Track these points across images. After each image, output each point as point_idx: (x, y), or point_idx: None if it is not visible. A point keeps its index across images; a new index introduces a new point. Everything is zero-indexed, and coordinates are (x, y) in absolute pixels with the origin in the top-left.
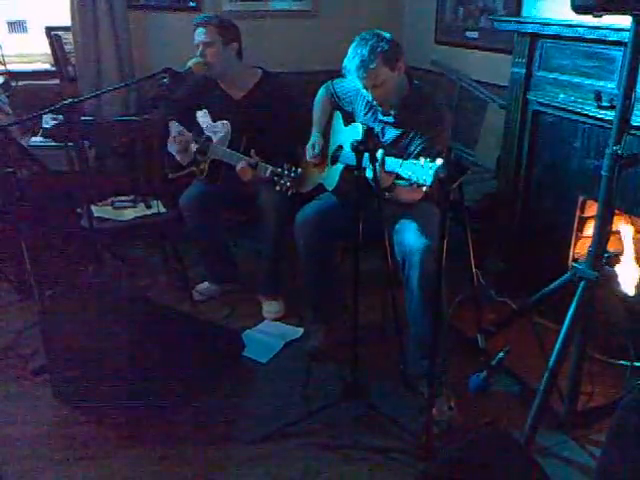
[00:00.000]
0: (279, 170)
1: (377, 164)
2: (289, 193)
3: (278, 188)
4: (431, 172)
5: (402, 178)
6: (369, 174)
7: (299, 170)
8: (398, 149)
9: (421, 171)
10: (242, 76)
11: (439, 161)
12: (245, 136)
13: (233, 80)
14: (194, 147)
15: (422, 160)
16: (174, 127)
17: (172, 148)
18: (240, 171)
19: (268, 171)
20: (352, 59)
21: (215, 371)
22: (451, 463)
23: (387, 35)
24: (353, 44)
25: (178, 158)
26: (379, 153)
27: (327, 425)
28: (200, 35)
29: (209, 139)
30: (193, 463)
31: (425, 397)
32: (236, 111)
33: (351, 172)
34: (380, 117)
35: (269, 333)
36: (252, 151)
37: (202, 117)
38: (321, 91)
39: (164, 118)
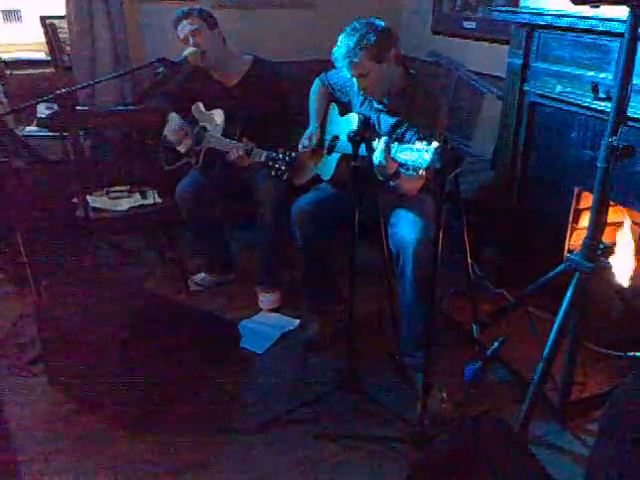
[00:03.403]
0: (274, 155)
1: (381, 151)
2: (284, 177)
3: (273, 173)
4: (427, 156)
5: (399, 164)
6: (376, 161)
7: (294, 154)
8: (395, 137)
9: (416, 155)
10: (233, 63)
11: (435, 144)
12: (240, 123)
13: (225, 67)
14: (190, 139)
15: (418, 144)
16: (174, 119)
17: (171, 138)
18: (234, 156)
19: (263, 156)
20: (339, 48)
21: (211, 361)
22: (446, 451)
23: (380, 25)
24: (344, 32)
25: (177, 147)
26: (383, 141)
27: (323, 414)
28: (185, 26)
29: (204, 128)
30: (190, 452)
31: (419, 387)
32: (230, 98)
33: (347, 162)
34: (376, 106)
35: (265, 324)
36: (244, 138)
37: (197, 110)
38: (316, 83)
39: (159, 108)
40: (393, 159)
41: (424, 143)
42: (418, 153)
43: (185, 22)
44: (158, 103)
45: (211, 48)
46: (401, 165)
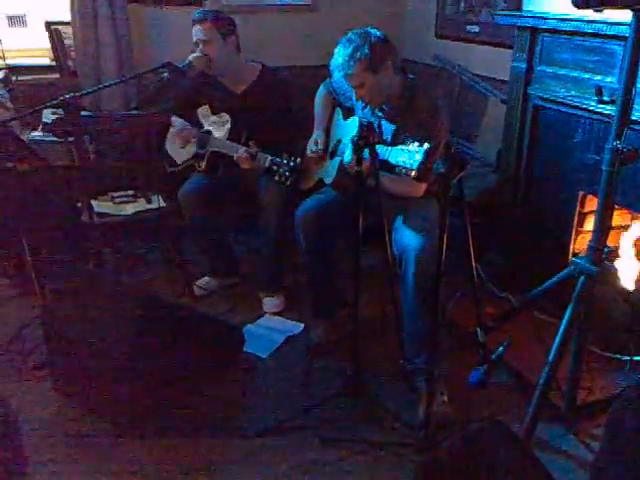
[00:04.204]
0: (278, 160)
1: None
2: (288, 183)
3: (277, 178)
4: (418, 156)
5: (391, 166)
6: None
7: (298, 160)
8: (396, 143)
9: (408, 155)
10: (242, 70)
11: (426, 145)
12: (245, 129)
13: (234, 74)
14: (194, 143)
15: (410, 145)
16: (177, 122)
17: (171, 147)
18: (239, 159)
19: (267, 161)
20: (335, 60)
21: (216, 366)
22: (450, 456)
23: (375, 35)
24: (339, 43)
25: (174, 156)
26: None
27: (327, 419)
28: (198, 33)
29: (209, 132)
30: (194, 456)
31: (421, 391)
32: (236, 105)
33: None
34: (377, 112)
35: (269, 328)
36: (251, 142)
37: (202, 113)
38: (321, 88)
39: (164, 113)
40: (365, 159)
41: (416, 144)
42: (409, 154)
43: (199, 28)
44: (164, 107)
45: (220, 57)
46: (394, 166)
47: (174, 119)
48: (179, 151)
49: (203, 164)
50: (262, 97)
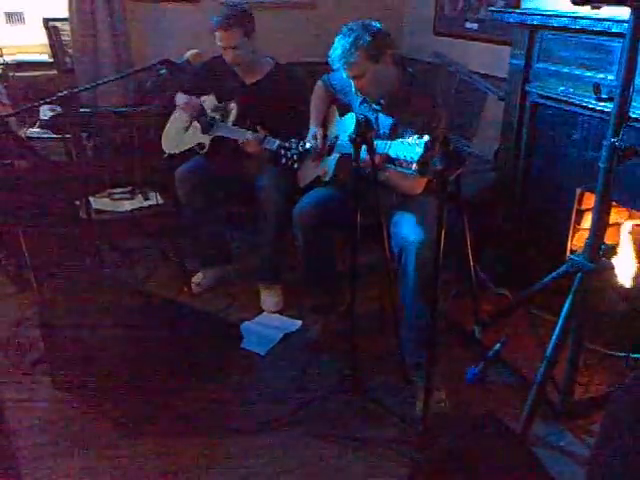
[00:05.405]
0: (286, 144)
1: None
2: (295, 166)
3: (284, 161)
4: (418, 149)
5: (392, 160)
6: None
7: (307, 145)
8: (395, 136)
9: (408, 149)
10: (257, 64)
11: (426, 137)
12: (250, 119)
13: (249, 67)
14: (197, 129)
15: (409, 139)
16: (180, 98)
17: (170, 133)
18: (246, 143)
19: (275, 144)
20: (335, 50)
21: (213, 363)
22: (448, 452)
23: (375, 26)
24: (339, 34)
25: (174, 144)
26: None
27: (325, 416)
28: (225, 40)
29: (213, 118)
30: (191, 453)
31: (419, 387)
32: (245, 94)
33: (346, 161)
34: (373, 106)
35: (267, 325)
36: (259, 127)
37: (206, 102)
38: (318, 83)
39: (162, 110)
40: (379, 154)
41: (415, 137)
42: (409, 147)
43: (224, 35)
44: (162, 103)
45: (246, 54)
46: (394, 160)
47: (177, 96)
48: (181, 136)
49: (204, 147)
50: (272, 90)
